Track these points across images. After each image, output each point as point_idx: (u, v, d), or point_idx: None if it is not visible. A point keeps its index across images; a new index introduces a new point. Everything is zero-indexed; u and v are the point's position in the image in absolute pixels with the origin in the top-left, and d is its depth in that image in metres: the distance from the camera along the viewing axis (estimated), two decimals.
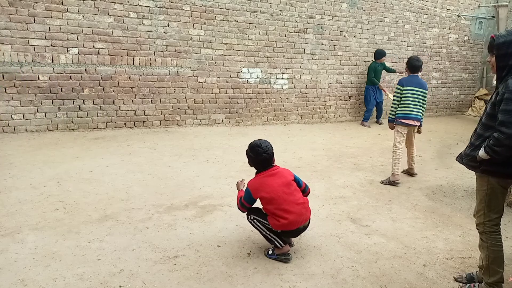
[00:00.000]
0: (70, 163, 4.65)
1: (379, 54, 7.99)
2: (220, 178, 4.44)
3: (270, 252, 2.84)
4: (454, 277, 2.69)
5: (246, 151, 2.84)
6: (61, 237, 2.97)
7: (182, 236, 3.08)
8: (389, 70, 8.29)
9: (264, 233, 2.82)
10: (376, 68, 8.05)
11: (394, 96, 4.66)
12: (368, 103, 8.24)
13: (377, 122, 8.49)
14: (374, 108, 8.45)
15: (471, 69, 10.25)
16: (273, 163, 2.84)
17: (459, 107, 10.40)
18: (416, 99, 4.55)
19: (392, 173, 4.54)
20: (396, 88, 4.65)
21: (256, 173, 2.85)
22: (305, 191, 2.91)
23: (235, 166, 4.92)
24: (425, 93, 4.59)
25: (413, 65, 4.58)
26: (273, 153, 2.81)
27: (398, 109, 4.60)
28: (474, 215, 2.55)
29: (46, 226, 3.13)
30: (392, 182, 4.52)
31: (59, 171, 4.38)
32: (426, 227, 3.49)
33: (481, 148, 2.31)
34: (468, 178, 4.91)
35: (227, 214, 3.52)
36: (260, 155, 2.76)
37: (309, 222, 2.87)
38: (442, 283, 2.63)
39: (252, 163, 2.84)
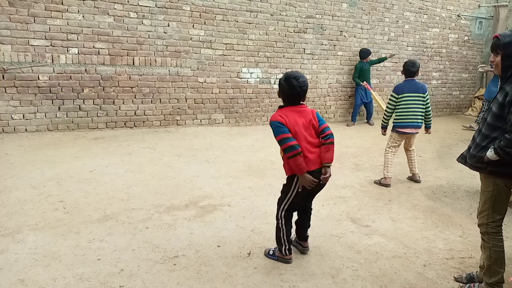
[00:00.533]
0: (70, 163, 4.65)
1: (364, 53, 7.91)
2: (220, 178, 4.44)
3: (271, 252, 2.83)
4: (454, 277, 2.69)
5: (280, 79, 2.64)
6: (61, 237, 2.97)
7: (182, 236, 3.08)
8: (380, 61, 8.17)
9: (281, 234, 2.75)
10: (363, 67, 7.97)
11: (388, 103, 4.52)
12: (355, 103, 8.26)
13: (368, 122, 8.41)
14: (363, 108, 8.50)
15: (471, 69, 10.24)
16: (303, 101, 2.66)
17: (459, 107, 10.40)
18: (414, 105, 4.41)
19: (383, 177, 4.53)
20: (391, 96, 4.50)
21: (280, 107, 2.68)
22: (324, 131, 2.63)
23: (235, 166, 4.92)
24: (424, 97, 4.42)
25: (408, 70, 4.45)
26: (307, 90, 2.64)
27: (395, 117, 4.49)
28: (477, 216, 2.54)
29: (46, 226, 3.13)
30: (382, 184, 4.51)
31: (59, 171, 4.38)
32: (426, 227, 3.48)
33: (490, 149, 2.27)
34: (468, 178, 4.91)
35: (227, 214, 3.52)
36: (294, 89, 2.56)
37: (330, 165, 2.65)
38: (442, 283, 2.63)
39: (281, 94, 2.65)
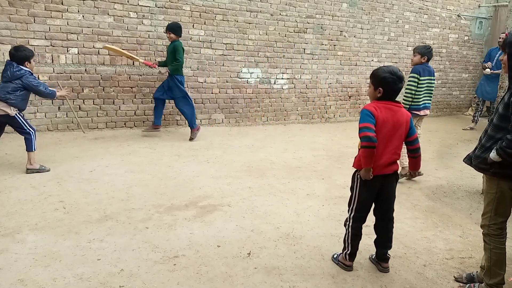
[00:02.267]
0: (70, 163, 4.65)
1: (179, 28, 5.85)
2: (220, 178, 4.44)
3: (335, 256, 2.83)
4: (454, 277, 2.69)
5: (378, 73, 2.51)
6: (61, 237, 2.97)
7: (182, 236, 3.08)
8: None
9: (346, 236, 2.73)
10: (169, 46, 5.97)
11: (410, 85, 4.40)
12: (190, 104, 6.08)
13: (155, 127, 6.14)
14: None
15: (471, 69, 10.25)
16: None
17: (459, 107, 10.40)
18: (429, 88, 4.49)
19: (402, 167, 4.50)
20: (412, 77, 4.40)
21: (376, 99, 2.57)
22: (413, 143, 2.62)
23: (235, 166, 4.92)
24: (434, 79, 4.55)
25: (431, 53, 4.48)
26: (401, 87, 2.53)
27: (414, 99, 4.42)
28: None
29: (46, 226, 3.13)
30: (403, 176, 4.56)
31: (59, 171, 4.38)
32: (426, 227, 3.48)
33: (493, 150, 2.25)
34: (468, 178, 4.91)
35: (227, 214, 3.52)
36: (394, 84, 2.46)
37: (396, 175, 2.67)
38: (442, 283, 2.63)
39: (381, 86, 2.50)
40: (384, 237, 2.76)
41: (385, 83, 2.48)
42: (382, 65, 2.62)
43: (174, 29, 5.77)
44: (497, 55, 7.61)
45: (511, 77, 2.27)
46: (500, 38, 7.67)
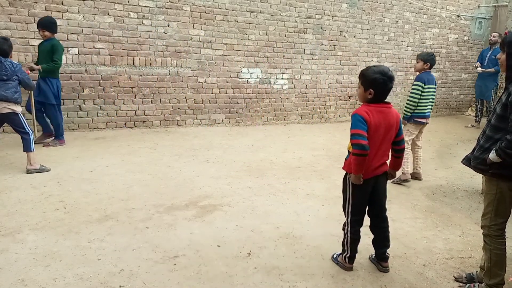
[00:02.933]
0: (70, 163, 4.65)
1: (53, 24, 5.15)
2: (220, 178, 4.45)
3: (335, 256, 2.83)
4: (454, 277, 2.69)
5: (368, 73, 2.45)
6: (61, 237, 2.97)
7: (182, 236, 3.08)
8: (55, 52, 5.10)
9: (345, 240, 2.72)
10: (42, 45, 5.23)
11: (414, 93, 4.41)
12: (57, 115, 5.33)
13: (49, 142, 5.36)
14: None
15: (471, 69, 10.25)
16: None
17: (459, 107, 10.41)
18: (432, 96, 4.51)
19: (402, 172, 4.53)
20: (417, 85, 4.41)
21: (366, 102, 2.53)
22: (399, 143, 2.61)
23: (235, 166, 4.93)
24: (436, 88, 4.57)
25: (434, 60, 4.47)
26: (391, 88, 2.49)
27: (417, 108, 4.45)
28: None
29: (46, 226, 3.14)
30: (402, 181, 4.57)
31: (59, 171, 4.38)
32: (426, 227, 3.49)
33: (492, 151, 2.24)
34: (468, 178, 4.91)
35: (227, 214, 3.53)
36: (385, 85, 2.42)
37: (385, 175, 2.65)
38: (442, 283, 2.64)
39: (371, 88, 2.45)
40: (381, 236, 2.76)
41: (376, 85, 2.42)
42: (371, 65, 2.59)
43: (47, 25, 5.04)
44: (488, 55, 7.80)
45: (509, 77, 2.27)
46: (490, 36, 7.85)
